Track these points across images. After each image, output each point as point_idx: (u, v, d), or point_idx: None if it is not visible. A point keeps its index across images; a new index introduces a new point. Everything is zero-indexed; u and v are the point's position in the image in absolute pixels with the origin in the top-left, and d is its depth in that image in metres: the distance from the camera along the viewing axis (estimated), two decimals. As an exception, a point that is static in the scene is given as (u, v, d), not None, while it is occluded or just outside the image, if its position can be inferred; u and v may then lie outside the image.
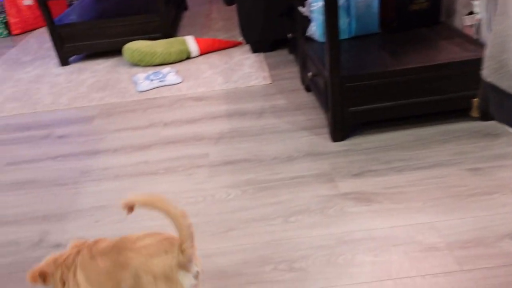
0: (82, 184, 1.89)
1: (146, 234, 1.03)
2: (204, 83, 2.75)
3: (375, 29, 2.23)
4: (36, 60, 3.55)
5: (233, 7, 4.43)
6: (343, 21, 2.15)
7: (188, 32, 3.80)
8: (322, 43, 2.17)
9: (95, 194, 1.82)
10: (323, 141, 2.01)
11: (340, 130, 1.96)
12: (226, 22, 3.98)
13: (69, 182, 1.91)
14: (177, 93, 2.65)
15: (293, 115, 2.27)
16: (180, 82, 2.79)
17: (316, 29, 2.17)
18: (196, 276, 0.99)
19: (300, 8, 2.15)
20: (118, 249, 1.02)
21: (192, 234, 0.97)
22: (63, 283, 1.09)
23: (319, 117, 2.21)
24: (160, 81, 2.78)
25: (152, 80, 2.81)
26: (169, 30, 3.29)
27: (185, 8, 4.56)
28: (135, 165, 1.98)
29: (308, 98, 2.42)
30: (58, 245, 1.56)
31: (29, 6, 4.39)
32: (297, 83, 2.61)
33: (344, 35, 2.20)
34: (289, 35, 2.72)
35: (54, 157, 2.12)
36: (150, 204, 0.94)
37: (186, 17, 4.31)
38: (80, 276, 1.05)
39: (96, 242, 1.09)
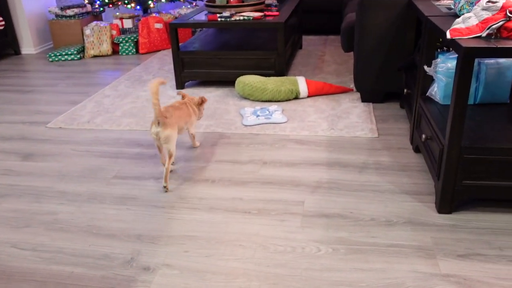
0: (178, 209, 1.94)
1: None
2: (308, 127, 2.73)
3: (504, 99, 2.05)
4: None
5: (348, 53, 4.40)
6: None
7: (299, 71, 3.84)
8: (443, 106, 2.04)
9: (188, 222, 1.85)
10: (428, 211, 1.87)
11: (449, 202, 1.81)
12: (339, 66, 3.96)
13: (166, 206, 1.97)
14: (280, 133, 2.66)
15: (397, 175, 2.15)
16: (285, 122, 2.80)
17: (438, 91, 2.05)
18: (158, 132, 2.06)
19: (426, 67, 2.05)
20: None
21: (157, 113, 2.02)
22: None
23: (425, 183, 2.07)
24: (266, 118, 2.82)
25: (258, 116, 2.85)
26: (283, 68, 3.35)
27: (300, 47, 4.64)
28: (230, 200, 2.00)
29: (416, 160, 2.28)
30: (147, 268, 1.60)
31: (158, 30, 4.77)
32: (406, 141, 2.49)
33: (468, 100, 2.05)
34: (406, 91, 2.61)
35: (157, 178, 2.21)
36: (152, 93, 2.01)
37: (300, 55, 4.37)
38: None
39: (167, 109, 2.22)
